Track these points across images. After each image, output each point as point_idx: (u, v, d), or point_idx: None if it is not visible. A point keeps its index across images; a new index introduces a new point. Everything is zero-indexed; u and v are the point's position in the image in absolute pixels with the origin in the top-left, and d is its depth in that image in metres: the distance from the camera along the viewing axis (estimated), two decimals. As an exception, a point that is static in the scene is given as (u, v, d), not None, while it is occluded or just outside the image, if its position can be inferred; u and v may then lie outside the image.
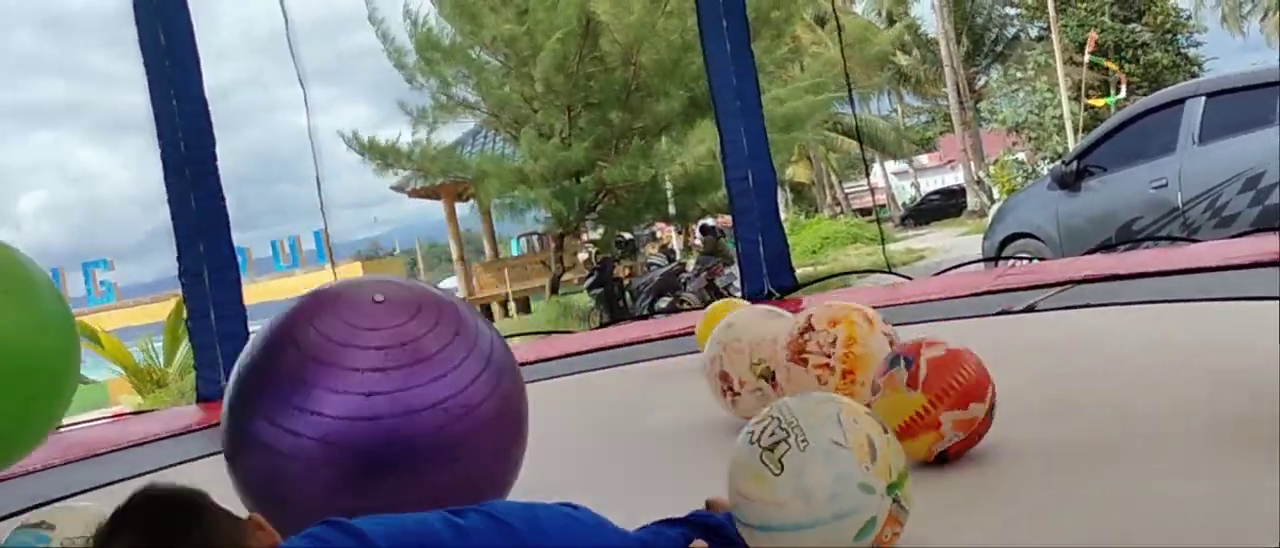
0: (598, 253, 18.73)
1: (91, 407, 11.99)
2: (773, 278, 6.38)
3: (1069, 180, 7.50)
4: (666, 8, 17.28)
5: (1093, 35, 26.27)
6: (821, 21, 30.41)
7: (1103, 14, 31.17)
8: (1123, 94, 24.07)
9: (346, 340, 1.79)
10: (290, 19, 6.33)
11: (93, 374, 12.28)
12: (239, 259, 6.10)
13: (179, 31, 5.62)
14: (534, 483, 2.02)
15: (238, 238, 5.84)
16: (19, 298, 2.20)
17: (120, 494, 1.37)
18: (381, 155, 18.44)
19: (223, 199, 5.72)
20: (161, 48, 5.57)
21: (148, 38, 5.60)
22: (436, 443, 1.78)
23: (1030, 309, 3.77)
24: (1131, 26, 31.93)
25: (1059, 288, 4.37)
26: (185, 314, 6.06)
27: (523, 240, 29.80)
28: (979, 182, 32.37)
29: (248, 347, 1.91)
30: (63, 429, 6.51)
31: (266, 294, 23.31)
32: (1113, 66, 26.10)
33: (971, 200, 32.39)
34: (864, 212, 35.87)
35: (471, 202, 22.30)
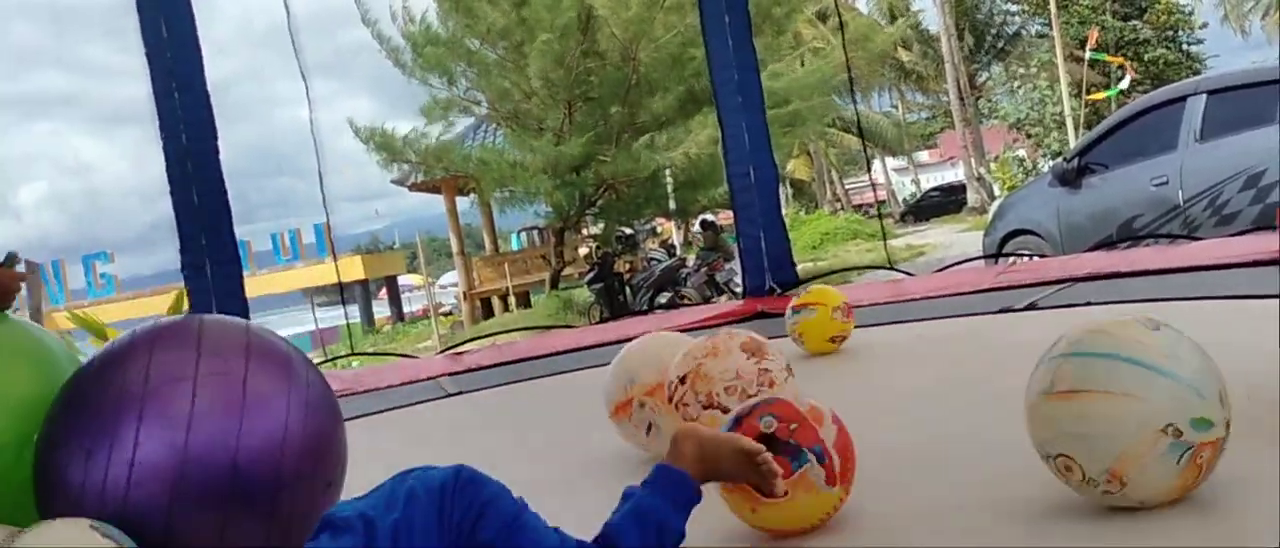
0: (598, 248, 18.74)
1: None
2: (774, 273, 6.38)
3: (1070, 177, 7.50)
4: (665, 3, 17.27)
5: (1094, 31, 26.26)
6: (823, 17, 30.40)
7: (1104, 11, 31.17)
8: (1125, 84, 24.06)
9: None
10: (291, 12, 6.32)
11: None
12: (240, 252, 6.10)
13: (181, 23, 5.61)
14: (533, 476, 2.02)
15: (238, 231, 5.83)
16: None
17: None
18: (388, 147, 18.45)
19: (225, 191, 5.72)
20: (163, 39, 5.56)
21: (149, 29, 5.59)
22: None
23: (1031, 307, 3.78)
24: (1133, 23, 31.94)
25: (1060, 285, 4.37)
26: (186, 307, 6.06)
27: (523, 235, 29.81)
28: (979, 178, 32.37)
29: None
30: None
31: (268, 287, 23.34)
32: (1115, 60, 26.09)
33: (972, 197, 32.39)
34: (864, 207, 35.89)
35: (472, 196, 22.31)
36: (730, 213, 7.64)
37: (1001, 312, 3.88)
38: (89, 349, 11.59)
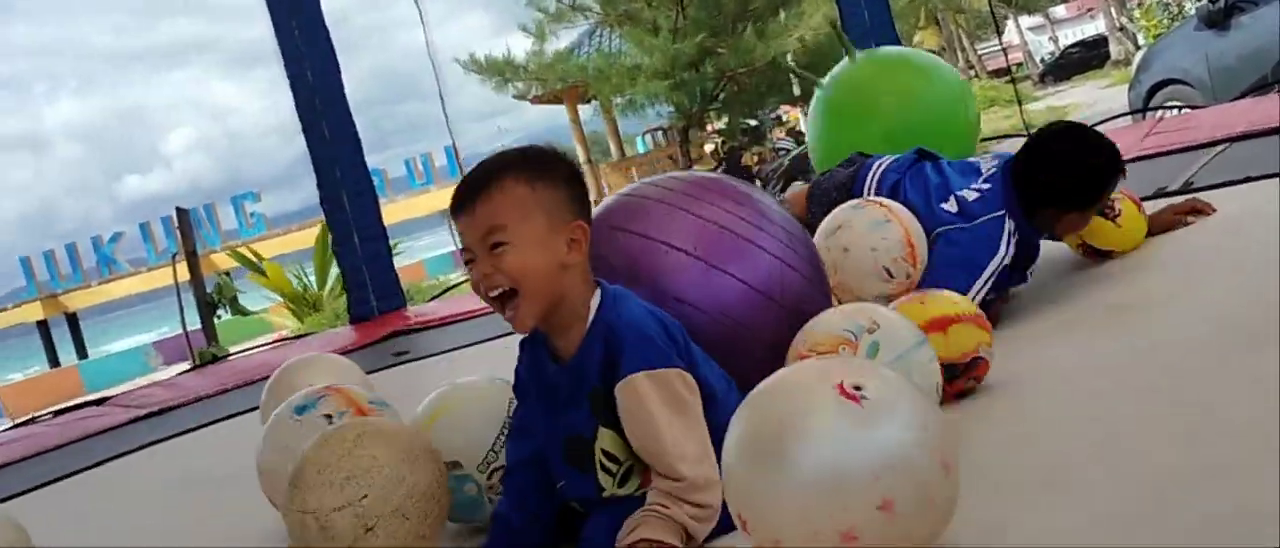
0: (724, 142, 18.54)
1: (255, 335, 12.62)
2: (905, 152, 6.21)
3: (1217, 19, 7.05)
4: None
5: None
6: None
7: None
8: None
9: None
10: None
11: (252, 305, 12.86)
12: (376, 181, 6.26)
13: (295, -39, 5.70)
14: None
15: (373, 160, 5.99)
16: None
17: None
18: (499, 71, 18.52)
19: (353, 124, 5.85)
20: (281, -22, 5.67)
21: (266, -29, 5.71)
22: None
23: (1187, 187, 3.45)
24: None
25: (1216, 150, 4.10)
26: (330, 239, 6.28)
27: (648, 137, 29.70)
28: (1121, 28, 30.70)
29: None
30: (229, 358, 6.89)
31: (407, 212, 23.94)
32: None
33: (1115, 49, 30.78)
34: (1000, 73, 34.47)
35: (594, 103, 22.29)
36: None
37: (1157, 195, 3.49)
38: (247, 285, 12.12)
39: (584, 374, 1.56)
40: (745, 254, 1.88)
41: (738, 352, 1.78)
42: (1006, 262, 2.47)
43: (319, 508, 1.52)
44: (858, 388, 1.17)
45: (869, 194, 2.70)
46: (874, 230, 2.35)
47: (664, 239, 1.84)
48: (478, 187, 1.54)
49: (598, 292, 1.58)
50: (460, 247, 1.58)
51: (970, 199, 2.54)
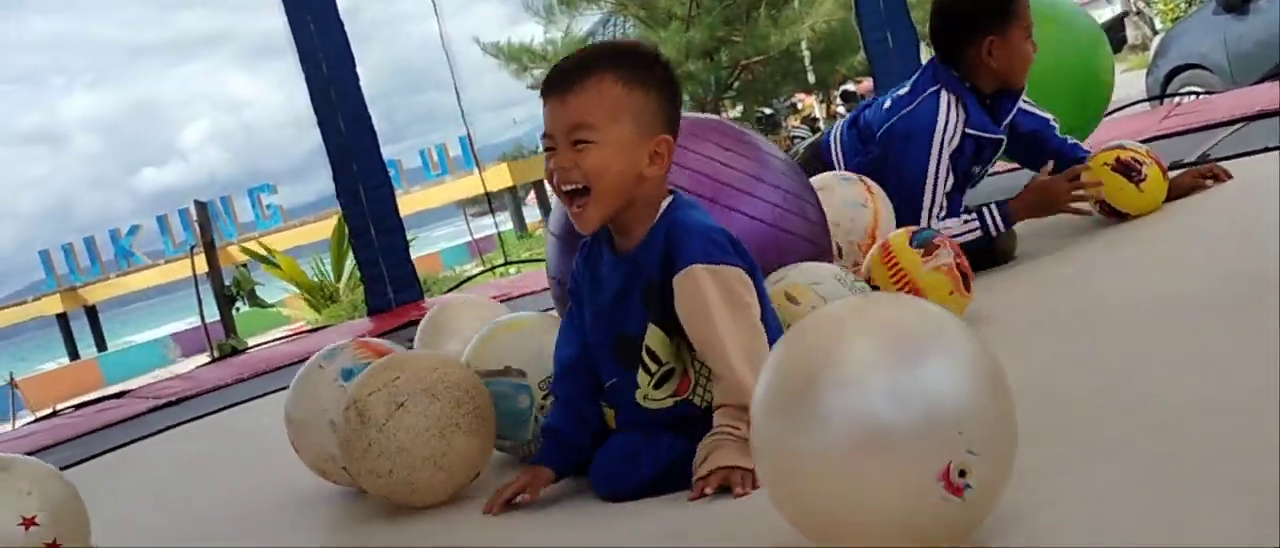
0: (739, 130, 18.47)
1: (272, 327, 12.68)
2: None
3: (1236, 3, 6.99)
4: None
5: None
6: None
7: None
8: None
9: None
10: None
11: (269, 297, 12.91)
12: (392, 172, 6.26)
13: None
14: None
15: (389, 151, 6.00)
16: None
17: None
18: (516, 57, 18.51)
19: (369, 116, 5.86)
20: (296, -27, 5.68)
21: (279, -36, 5.72)
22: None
23: (1203, 159, 3.48)
24: None
25: (1232, 128, 4.08)
26: (347, 231, 6.30)
27: (663, 125, 29.64)
28: (1138, 12, 30.47)
29: None
30: (248, 350, 6.93)
31: (422, 203, 23.98)
32: None
33: (1131, 33, 30.53)
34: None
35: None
36: (870, 80, 7.42)
37: (1173, 168, 3.53)
38: (264, 277, 12.18)
39: (642, 266, 1.56)
40: (746, 196, 1.98)
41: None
42: (955, 136, 2.65)
43: (358, 397, 1.70)
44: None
45: (836, 149, 2.98)
46: (848, 208, 2.47)
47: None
48: (573, 76, 1.53)
49: (670, 197, 1.59)
50: (543, 132, 1.58)
51: (902, 92, 2.80)
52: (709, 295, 1.47)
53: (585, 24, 20.46)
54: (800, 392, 1.06)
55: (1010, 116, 2.82)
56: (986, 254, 2.60)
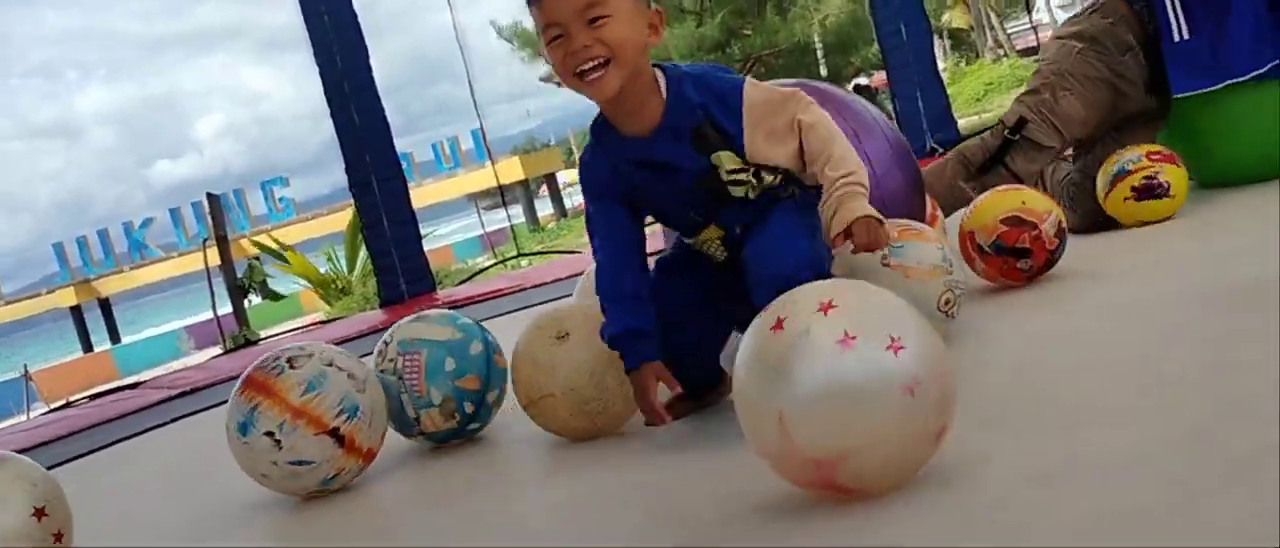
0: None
1: (286, 319, 12.72)
2: (934, 132, 6.17)
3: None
4: None
5: None
6: None
7: None
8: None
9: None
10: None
11: (283, 289, 12.96)
12: (404, 164, 6.27)
13: (321, -53, 5.71)
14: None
15: (401, 143, 5.99)
16: None
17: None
18: (530, 42, 18.55)
19: (382, 109, 5.87)
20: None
21: (293, -43, 5.73)
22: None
23: None
24: None
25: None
26: (360, 223, 6.31)
27: (675, 118, 29.59)
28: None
29: None
30: (261, 341, 6.95)
31: (435, 195, 24.01)
32: None
33: (1146, 27, 30.32)
34: (1029, 52, 34.13)
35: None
36: (884, 73, 7.39)
37: None
38: (274, 273, 12.18)
39: (681, 123, 1.71)
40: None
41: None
42: None
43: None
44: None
45: None
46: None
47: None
48: None
49: (660, 70, 1.75)
50: (542, 27, 1.70)
51: None
52: (771, 94, 1.70)
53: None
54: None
55: None
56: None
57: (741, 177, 1.73)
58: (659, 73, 1.74)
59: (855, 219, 1.56)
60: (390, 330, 2.15)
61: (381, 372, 2.09)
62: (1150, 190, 2.63)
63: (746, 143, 1.69)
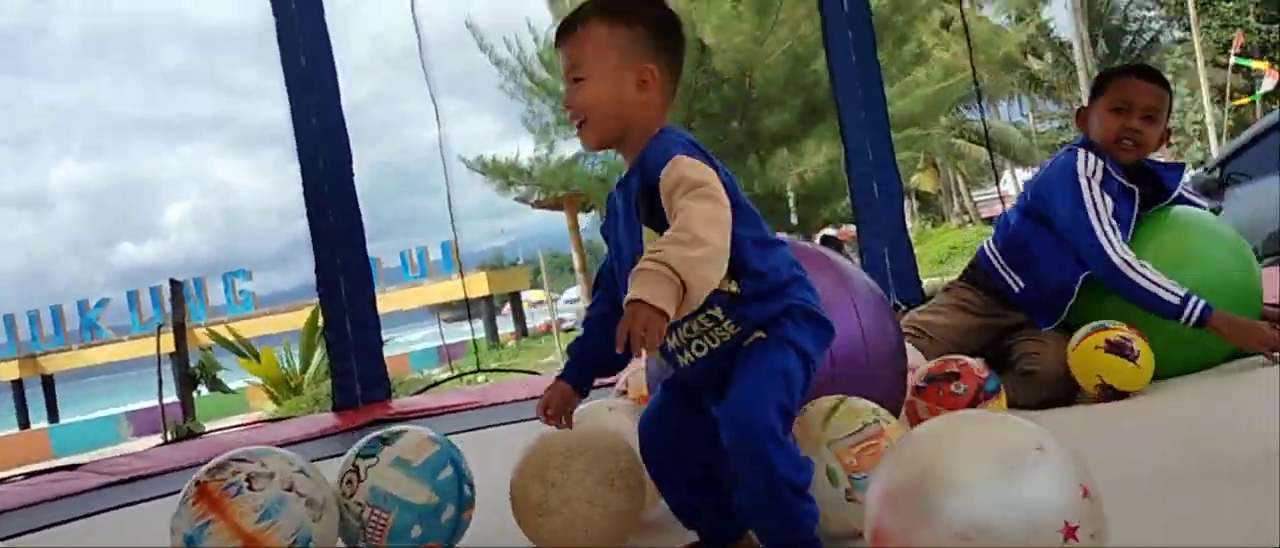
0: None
1: (231, 413, 12.48)
2: (899, 289, 6.26)
3: (1212, 188, 7.19)
4: (776, 19, 17.14)
5: (1239, 35, 25.11)
6: (946, 25, 29.77)
7: (1247, 14, 29.79)
8: (1269, 86, 22.86)
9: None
10: (422, 37, 6.50)
11: (233, 384, 12.77)
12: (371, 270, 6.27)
13: (319, 51, 5.82)
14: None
15: (369, 249, 6.00)
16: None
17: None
18: (503, 174, 18.82)
19: (359, 212, 5.89)
20: (302, 67, 5.77)
21: (289, 56, 5.82)
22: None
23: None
24: (1279, 27, 30.45)
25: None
26: (321, 323, 6.26)
27: (644, 251, 29.85)
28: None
29: None
30: (206, 434, 6.82)
31: (397, 304, 23.94)
32: (1260, 65, 24.87)
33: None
34: (994, 220, 34.90)
35: (594, 212, 22.53)
36: (852, 227, 7.54)
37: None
38: (229, 363, 12.01)
39: (631, 181, 1.71)
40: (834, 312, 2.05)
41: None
42: (1098, 172, 2.95)
43: None
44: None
45: (992, 252, 3.26)
46: None
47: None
48: (568, 27, 1.74)
49: (662, 129, 1.72)
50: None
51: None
52: (681, 166, 1.59)
53: (576, 146, 20.84)
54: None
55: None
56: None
57: None
58: (661, 131, 1.72)
59: (627, 301, 1.44)
60: (364, 461, 2.04)
61: (343, 507, 2.01)
62: (1122, 348, 2.70)
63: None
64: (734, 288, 1.63)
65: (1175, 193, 3.10)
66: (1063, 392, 2.84)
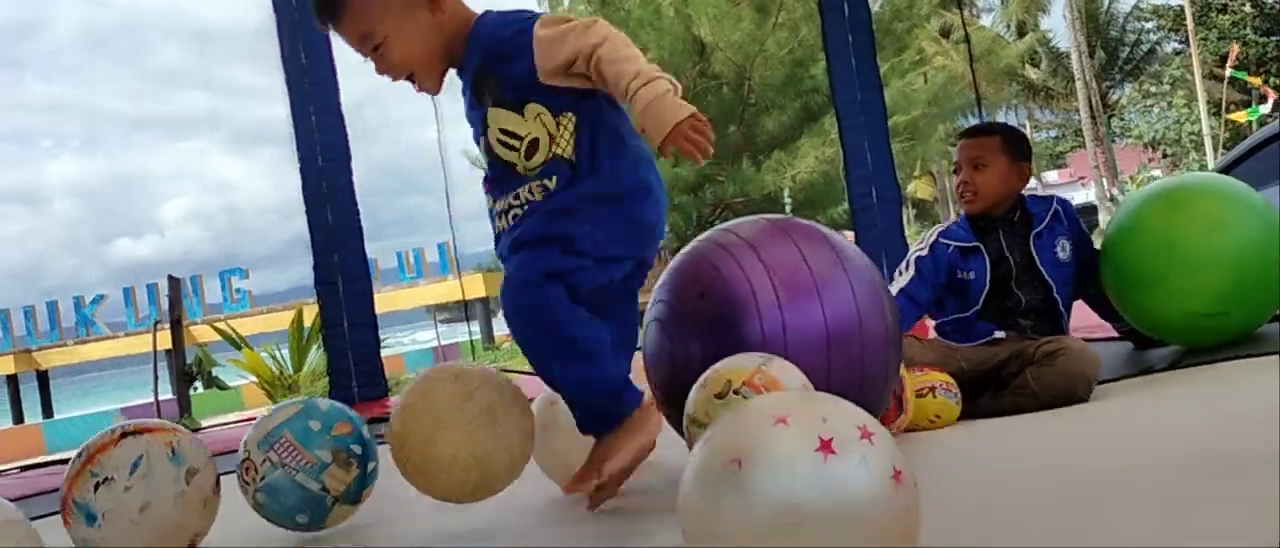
0: (716, 268, 18.65)
1: (227, 411, 12.48)
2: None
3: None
4: (776, 21, 17.18)
5: (1234, 47, 25.18)
6: (946, 33, 29.86)
7: (1245, 26, 29.89)
8: (1267, 109, 22.95)
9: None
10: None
11: (230, 381, 12.74)
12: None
13: (318, 49, 5.83)
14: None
15: (367, 249, 6.01)
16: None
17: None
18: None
19: (357, 211, 5.90)
20: (302, 65, 5.79)
21: (289, 55, 5.83)
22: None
23: (1173, 366, 3.32)
24: (1275, 39, 30.55)
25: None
26: (320, 322, 6.27)
27: (641, 254, 29.88)
28: (1113, 199, 31.34)
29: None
30: (201, 430, 6.82)
31: (393, 304, 23.89)
32: (1255, 81, 24.95)
33: (1104, 219, 31.30)
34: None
35: (591, 215, 22.56)
36: (849, 233, 7.55)
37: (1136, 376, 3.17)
38: (224, 360, 12.03)
39: (468, 69, 1.67)
40: (830, 289, 2.08)
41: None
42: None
43: None
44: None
45: None
46: None
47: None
48: (329, 9, 1.66)
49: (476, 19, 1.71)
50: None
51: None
52: (553, 24, 1.59)
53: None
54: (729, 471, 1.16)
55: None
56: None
57: (514, 142, 1.69)
58: (477, 19, 1.71)
59: (675, 124, 1.48)
60: (241, 448, 2.10)
61: (263, 479, 2.02)
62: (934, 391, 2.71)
63: (541, 78, 1.63)
64: (573, 170, 1.67)
65: (1046, 219, 3.27)
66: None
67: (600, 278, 1.69)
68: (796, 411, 1.19)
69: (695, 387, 1.77)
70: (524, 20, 1.64)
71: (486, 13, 1.70)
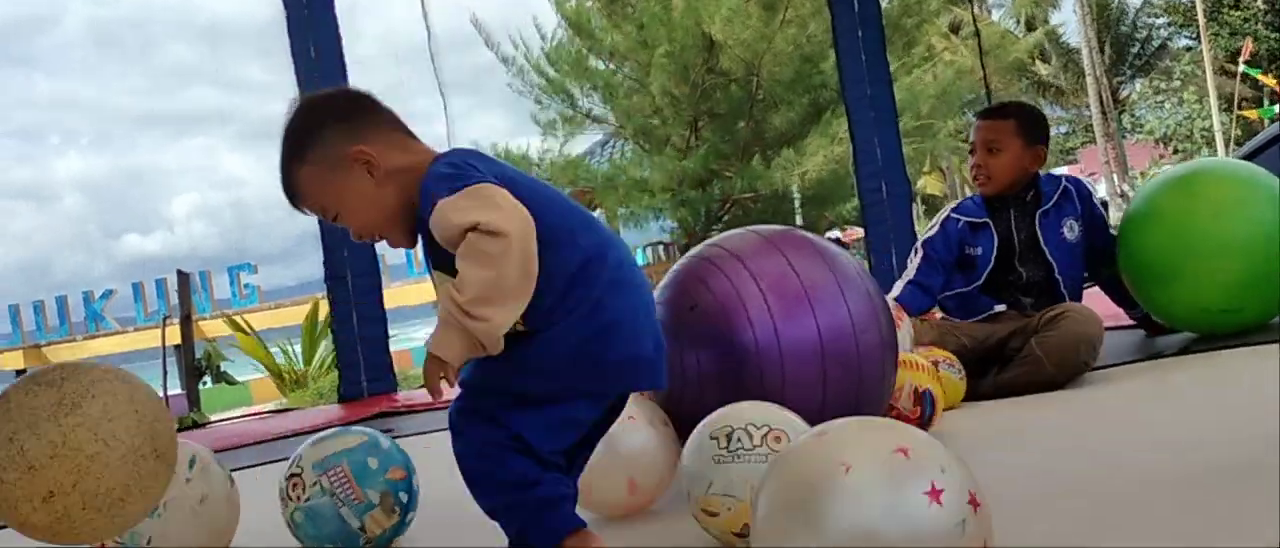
0: (725, 263, 18.61)
1: (236, 406, 12.51)
2: (905, 291, 6.26)
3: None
4: (784, 17, 17.12)
5: (1248, 43, 25.06)
6: (955, 29, 29.77)
7: (1257, 22, 29.75)
8: (1280, 109, 22.84)
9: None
10: (431, 32, 6.51)
11: (238, 376, 12.79)
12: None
13: (329, 46, 5.84)
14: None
15: (378, 245, 6.01)
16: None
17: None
18: (512, 165, 18.79)
19: (366, 206, 5.90)
20: (312, 61, 5.79)
21: (299, 51, 5.84)
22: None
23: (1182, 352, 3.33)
24: (1288, 34, 30.42)
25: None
26: (328, 317, 6.28)
27: (648, 250, 29.91)
28: (1123, 194, 31.24)
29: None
30: (210, 424, 6.83)
31: (401, 299, 23.93)
32: (1269, 81, 24.82)
33: (1115, 214, 31.13)
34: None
35: (600, 210, 22.54)
36: (858, 229, 7.53)
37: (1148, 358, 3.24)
38: (236, 354, 12.06)
39: (420, 228, 1.62)
40: (826, 303, 2.09)
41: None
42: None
43: None
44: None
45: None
46: None
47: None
48: (287, 190, 1.71)
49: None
50: None
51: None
52: (448, 209, 1.49)
53: (584, 144, 20.84)
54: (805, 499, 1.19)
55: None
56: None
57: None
58: (426, 172, 1.63)
59: (433, 355, 1.47)
60: (294, 462, 2.07)
61: (309, 500, 1.99)
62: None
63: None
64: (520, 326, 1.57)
65: (1053, 198, 3.30)
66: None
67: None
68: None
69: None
70: (435, 177, 1.58)
71: (432, 165, 1.63)
